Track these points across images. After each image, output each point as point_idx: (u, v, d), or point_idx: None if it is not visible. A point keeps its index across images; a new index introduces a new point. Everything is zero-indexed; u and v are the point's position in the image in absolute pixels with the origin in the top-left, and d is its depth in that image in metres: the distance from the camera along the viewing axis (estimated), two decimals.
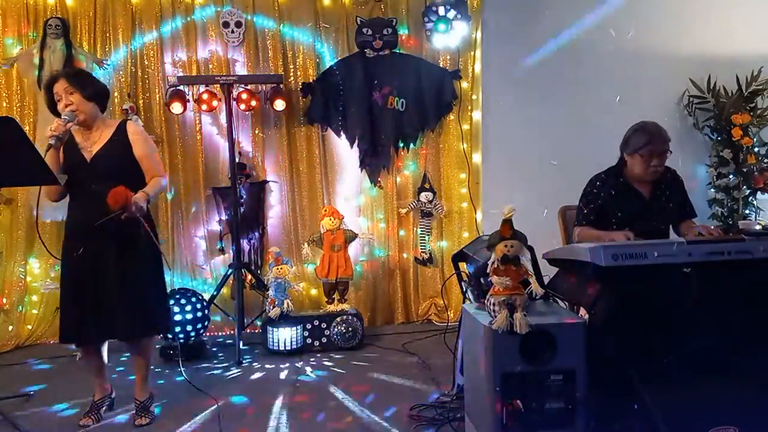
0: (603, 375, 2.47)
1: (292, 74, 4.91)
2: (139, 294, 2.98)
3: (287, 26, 4.89)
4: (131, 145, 3.01)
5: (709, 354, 2.34)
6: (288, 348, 4.26)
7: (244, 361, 4.12)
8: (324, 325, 4.38)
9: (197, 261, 4.92)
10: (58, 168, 2.92)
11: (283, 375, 3.89)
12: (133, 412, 3.21)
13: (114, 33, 4.78)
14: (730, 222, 4.88)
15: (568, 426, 2.47)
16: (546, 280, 2.89)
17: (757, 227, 3.01)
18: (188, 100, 4.66)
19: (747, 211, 4.96)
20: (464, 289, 3.36)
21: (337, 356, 4.24)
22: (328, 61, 4.92)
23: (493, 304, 2.42)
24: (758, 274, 2.49)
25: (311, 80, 4.89)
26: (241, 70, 4.84)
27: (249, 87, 4.67)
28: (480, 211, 5.02)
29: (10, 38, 4.74)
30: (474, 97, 5.03)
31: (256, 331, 4.66)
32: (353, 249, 4.74)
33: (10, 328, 4.71)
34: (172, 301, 4.13)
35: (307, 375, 3.88)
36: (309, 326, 4.37)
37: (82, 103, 2.96)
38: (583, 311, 2.86)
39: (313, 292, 4.95)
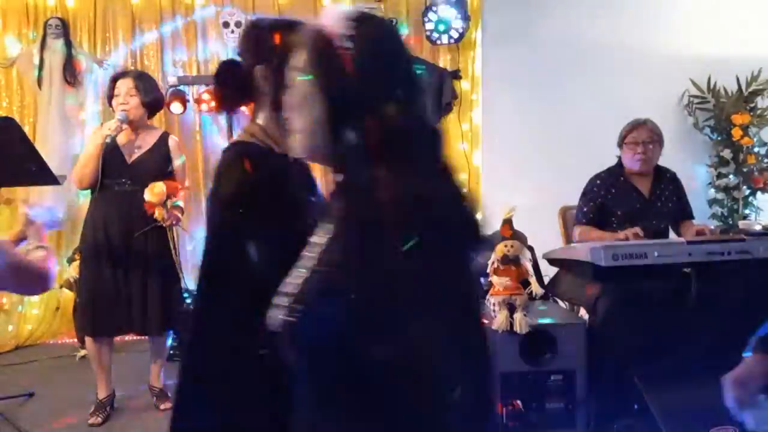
0: (603, 375, 2.47)
1: None
2: (167, 289, 3.21)
3: None
4: (171, 158, 3.25)
5: (709, 354, 2.34)
6: None
7: None
8: None
9: (197, 261, 4.91)
10: (98, 165, 3.07)
11: None
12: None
13: (114, 33, 4.77)
14: (730, 222, 4.88)
15: (568, 426, 2.47)
16: (546, 280, 2.89)
17: (757, 227, 3.01)
18: (188, 100, 4.66)
19: (747, 211, 4.96)
20: None
21: None
22: None
23: (493, 304, 2.42)
24: (758, 274, 2.49)
25: None
26: None
27: None
28: (480, 211, 5.01)
29: (10, 38, 4.74)
30: (474, 97, 5.02)
31: None
32: None
33: (10, 328, 4.70)
34: None
35: None
36: None
37: (137, 107, 3.14)
38: (583, 311, 2.86)
39: None
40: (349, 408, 1.04)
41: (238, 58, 1.64)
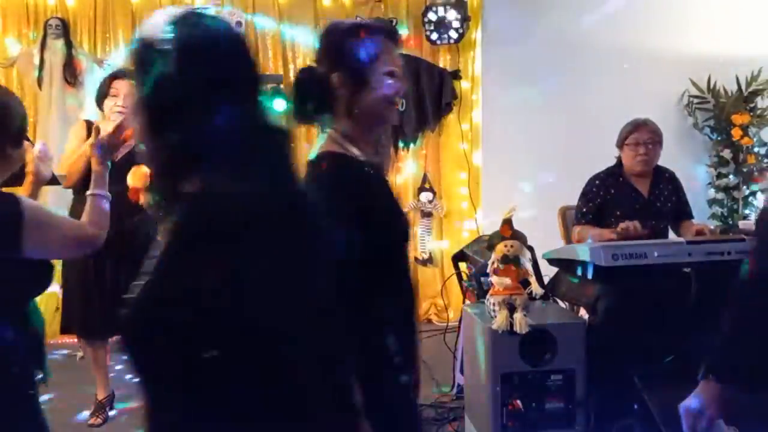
0: (603, 375, 2.47)
1: (292, 74, 4.91)
2: None
3: (287, 26, 4.88)
4: None
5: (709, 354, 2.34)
6: None
7: None
8: None
9: None
10: (87, 165, 2.99)
11: None
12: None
13: (114, 33, 4.77)
14: (730, 222, 4.88)
15: (568, 426, 2.47)
16: (546, 280, 2.89)
17: None
18: None
19: (747, 211, 4.96)
20: (464, 289, 3.37)
21: None
22: None
23: (493, 304, 2.42)
24: None
25: None
26: None
27: None
28: (480, 211, 5.02)
29: (10, 38, 4.74)
30: (474, 97, 5.02)
31: None
32: None
33: None
34: None
35: None
36: None
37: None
38: (583, 311, 2.87)
39: None
40: (180, 403, 1.05)
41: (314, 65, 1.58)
